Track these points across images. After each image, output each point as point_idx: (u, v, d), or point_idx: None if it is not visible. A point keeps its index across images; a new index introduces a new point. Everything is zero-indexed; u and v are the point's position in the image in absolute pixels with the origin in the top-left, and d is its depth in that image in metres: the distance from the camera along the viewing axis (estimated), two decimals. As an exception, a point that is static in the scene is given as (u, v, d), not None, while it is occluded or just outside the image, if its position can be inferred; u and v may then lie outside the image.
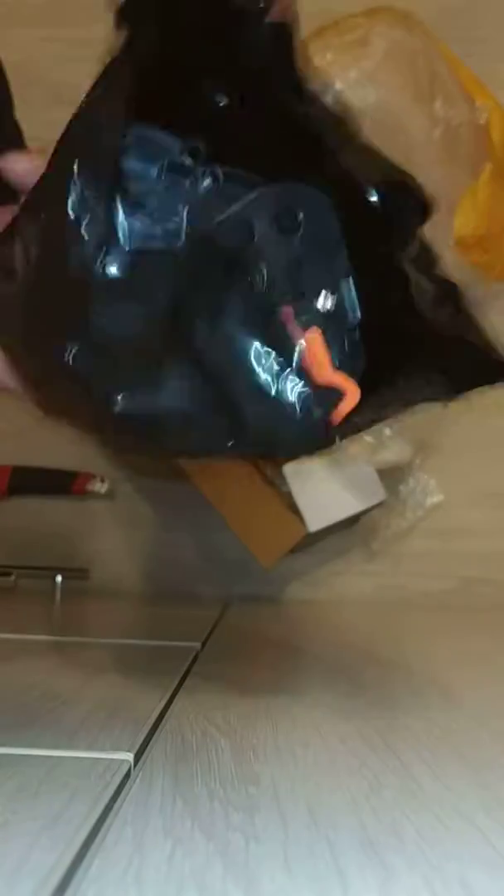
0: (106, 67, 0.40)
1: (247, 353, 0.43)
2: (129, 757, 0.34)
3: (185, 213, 0.42)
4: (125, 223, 0.41)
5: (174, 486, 1.00)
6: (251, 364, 0.43)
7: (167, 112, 0.41)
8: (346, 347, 0.43)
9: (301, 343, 0.43)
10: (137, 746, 0.35)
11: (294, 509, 0.89)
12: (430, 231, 0.52)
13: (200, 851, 0.25)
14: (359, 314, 0.44)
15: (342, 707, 0.45)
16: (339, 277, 0.44)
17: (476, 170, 0.89)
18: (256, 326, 0.43)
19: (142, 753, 0.35)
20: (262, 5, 0.38)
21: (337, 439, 0.43)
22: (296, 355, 0.43)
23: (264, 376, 0.43)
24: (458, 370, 0.41)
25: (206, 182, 0.42)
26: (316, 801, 0.30)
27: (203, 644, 0.63)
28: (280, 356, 0.43)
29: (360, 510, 0.92)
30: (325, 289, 0.43)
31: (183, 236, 0.42)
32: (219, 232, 0.42)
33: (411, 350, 0.42)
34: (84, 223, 0.38)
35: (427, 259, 0.43)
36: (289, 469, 0.88)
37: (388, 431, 0.89)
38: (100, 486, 1.02)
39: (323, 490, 0.88)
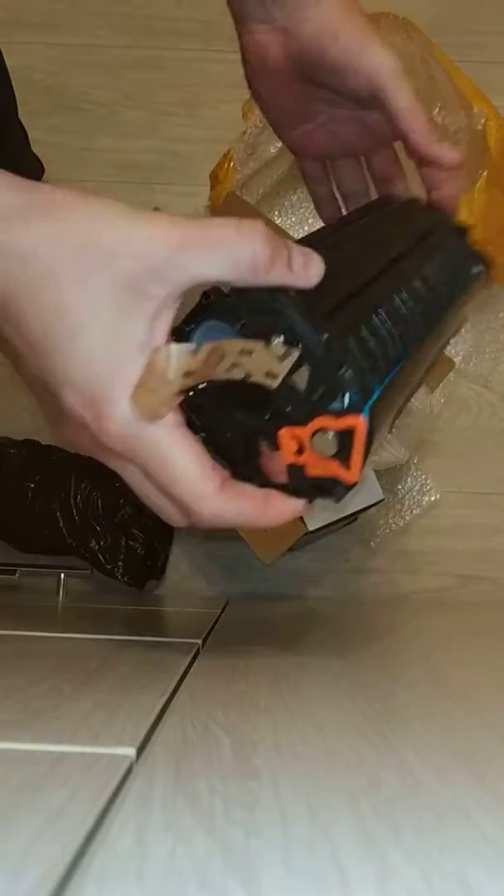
0: None
1: None
2: (132, 752, 0.34)
3: None
4: None
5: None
6: None
7: None
8: None
9: None
10: (139, 742, 0.36)
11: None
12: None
13: (201, 846, 0.25)
14: None
15: (341, 703, 0.45)
16: None
17: (473, 175, 0.89)
18: None
19: (143, 749, 0.35)
20: None
21: None
22: None
23: None
24: None
25: None
26: (315, 797, 0.30)
27: (204, 641, 0.63)
28: None
29: (359, 510, 0.93)
30: None
31: None
32: None
33: None
34: None
35: None
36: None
37: (385, 434, 0.89)
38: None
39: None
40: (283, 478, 0.47)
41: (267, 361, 0.44)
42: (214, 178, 1.00)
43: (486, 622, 0.91)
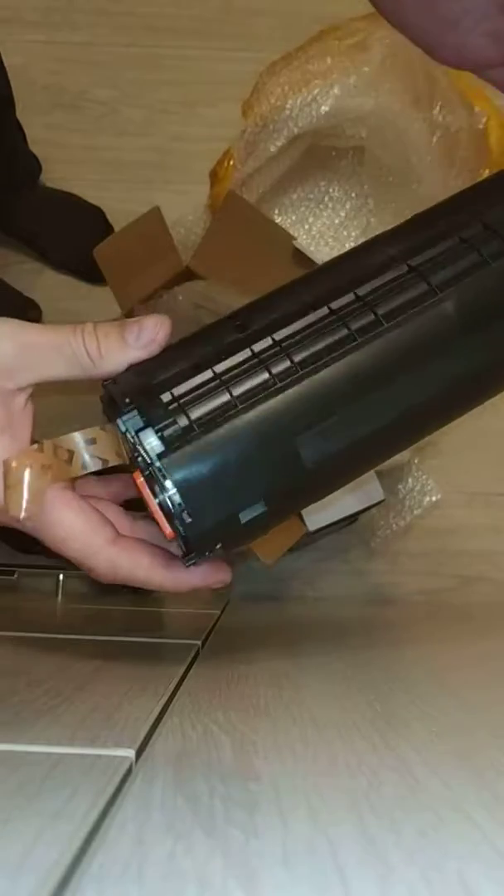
0: None
1: None
2: (131, 754, 0.34)
3: None
4: None
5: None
6: None
7: None
8: None
9: None
10: (139, 743, 0.35)
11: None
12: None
13: (201, 848, 0.25)
14: None
15: (341, 704, 0.45)
16: None
17: (474, 175, 0.89)
18: None
19: (143, 750, 0.35)
20: None
21: None
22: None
23: None
24: None
25: None
26: (315, 798, 0.30)
27: (203, 642, 0.63)
28: None
29: (359, 510, 0.93)
30: None
31: None
32: None
33: None
34: None
35: None
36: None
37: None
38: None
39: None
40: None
41: (112, 442, 0.46)
42: (214, 176, 1.00)
43: (486, 623, 0.91)
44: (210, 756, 0.35)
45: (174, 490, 0.43)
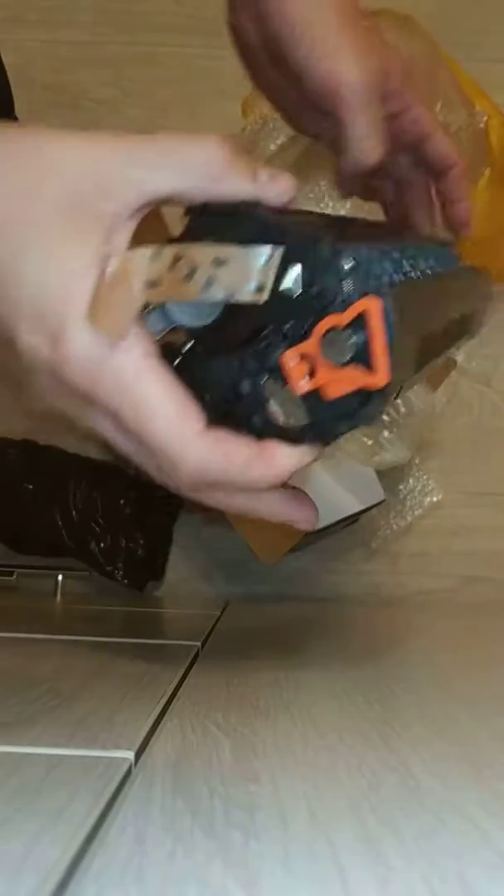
0: None
1: None
2: (130, 755, 0.34)
3: None
4: None
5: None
6: None
7: None
8: None
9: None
10: (138, 745, 0.35)
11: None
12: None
13: (201, 849, 0.25)
14: None
15: (341, 705, 0.45)
16: None
17: (475, 174, 0.89)
18: None
19: (142, 752, 0.35)
20: None
21: None
22: None
23: None
24: None
25: None
26: (315, 799, 0.30)
27: (203, 643, 0.63)
28: None
29: (360, 510, 0.93)
30: None
31: None
32: None
33: None
34: None
35: None
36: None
37: (386, 434, 0.89)
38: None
39: (323, 490, 0.88)
40: (302, 418, 0.39)
41: (249, 270, 0.38)
42: (214, 176, 1.00)
43: (487, 623, 0.91)
44: (210, 757, 0.35)
45: (382, 293, 0.38)
